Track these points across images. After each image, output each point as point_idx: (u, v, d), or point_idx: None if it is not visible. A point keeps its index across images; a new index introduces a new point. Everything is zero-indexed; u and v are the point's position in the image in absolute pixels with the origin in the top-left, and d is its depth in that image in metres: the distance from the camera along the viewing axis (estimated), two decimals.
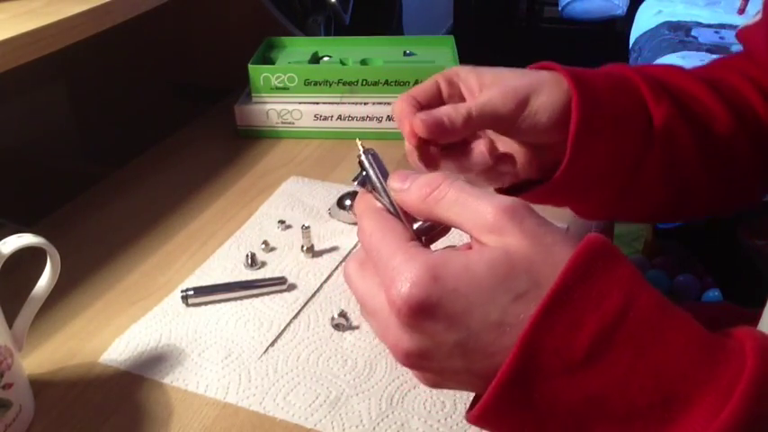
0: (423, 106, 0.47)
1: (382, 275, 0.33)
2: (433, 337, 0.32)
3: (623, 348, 0.30)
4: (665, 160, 0.50)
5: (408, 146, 0.46)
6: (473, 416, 0.32)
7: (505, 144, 0.50)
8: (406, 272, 0.32)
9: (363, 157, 0.37)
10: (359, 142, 0.39)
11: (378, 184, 0.37)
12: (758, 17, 0.58)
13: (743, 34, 0.60)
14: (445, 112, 0.45)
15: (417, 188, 0.35)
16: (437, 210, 0.34)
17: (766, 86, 0.56)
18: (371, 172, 0.37)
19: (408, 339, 0.33)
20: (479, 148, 0.49)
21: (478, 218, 0.33)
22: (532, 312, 0.31)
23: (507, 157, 0.50)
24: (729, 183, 0.54)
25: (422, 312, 0.31)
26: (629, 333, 0.30)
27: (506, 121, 0.46)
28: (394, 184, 0.36)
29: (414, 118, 0.44)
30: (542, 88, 0.47)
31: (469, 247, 0.34)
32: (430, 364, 0.34)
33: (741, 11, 2.41)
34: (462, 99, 0.49)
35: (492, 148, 0.49)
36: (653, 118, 0.49)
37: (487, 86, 0.47)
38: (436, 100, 0.48)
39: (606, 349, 0.30)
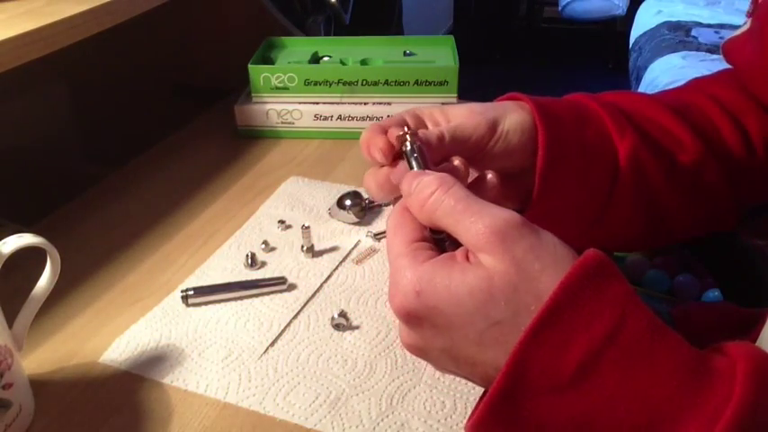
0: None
1: (389, 281, 0.36)
2: (424, 340, 0.35)
3: (610, 370, 0.30)
4: (634, 190, 0.49)
5: (370, 177, 0.44)
6: (470, 425, 0.34)
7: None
8: (398, 281, 0.35)
9: (409, 147, 0.40)
10: (407, 132, 0.41)
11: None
12: (745, 27, 0.57)
13: (730, 47, 0.58)
14: (420, 131, 0.43)
15: (417, 193, 0.36)
16: (434, 218, 0.36)
17: (763, 100, 0.54)
18: (414, 162, 0.40)
19: (407, 336, 0.36)
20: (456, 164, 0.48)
21: (470, 236, 0.34)
22: (509, 338, 0.32)
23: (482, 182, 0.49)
24: (701, 209, 0.53)
25: (410, 320, 0.35)
26: (617, 356, 0.30)
27: (478, 145, 0.45)
28: (403, 186, 0.38)
29: (383, 137, 0.43)
30: (509, 112, 0.46)
31: (466, 254, 0.34)
32: (428, 357, 0.37)
33: (750, 14, 2.40)
34: None
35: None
36: (618, 150, 0.49)
37: (455, 117, 0.47)
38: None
39: (593, 371, 0.30)
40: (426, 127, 0.47)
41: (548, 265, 0.32)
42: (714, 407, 0.29)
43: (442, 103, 0.49)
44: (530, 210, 0.48)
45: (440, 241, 0.37)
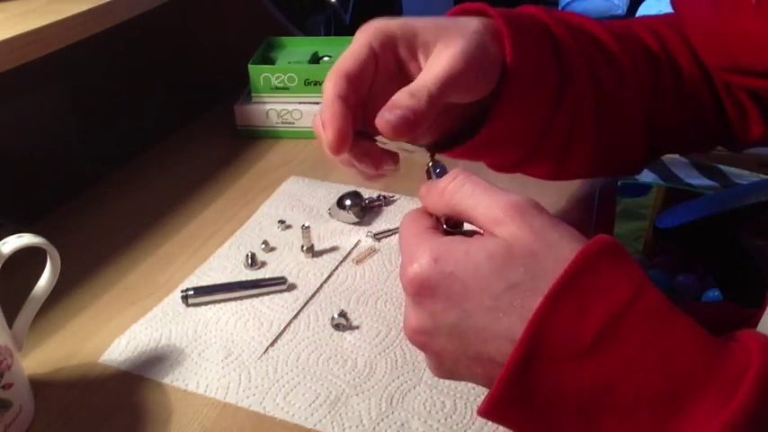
0: (356, 86, 0.41)
1: (402, 260, 0.36)
2: (434, 317, 0.34)
3: (631, 336, 0.30)
4: (583, 83, 0.49)
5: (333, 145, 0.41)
6: (483, 408, 0.33)
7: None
8: (414, 254, 0.35)
9: (431, 168, 0.41)
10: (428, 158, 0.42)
11: None
12: None
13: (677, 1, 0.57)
14: (405, 104, 0.39)
15: (436, 185, 0.37)
16: (453, 202, 0.36)
17: (708, 60, 0.54)
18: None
19: (414, 317, 0.35)
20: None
21: (489, 212, 0.34)
22: (526, 303, 0.31)
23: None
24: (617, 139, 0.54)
25: (422, 290, 0.34)
26: (637, 321, 0.30)
27: (465, 87, 0.42)
28: (421, 190, 0.39)
29: (377, 120, 0.39)
30: (486, 41, 0.43)
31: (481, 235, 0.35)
32: (431, 344, 0.35)
33: None
34: (399, 64, 0.44)
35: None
36: (572, 54, 0.48)
37: (439, 46, 0.42)
38: (369, 72, 0.42)
39: (613, 336, 0.30)
40: (397, 58, 0.43)
41: (565, 237, 0.33)
42: (736, 372, 0.29)
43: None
44: (492, 112, 0.45)
45: (453, 235, 0.37)
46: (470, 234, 0.36)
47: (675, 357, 0.30)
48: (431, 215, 0.38)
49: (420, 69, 0.43)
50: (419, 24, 0.43)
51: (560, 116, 0.48)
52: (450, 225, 0.37)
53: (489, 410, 0.33)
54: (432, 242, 0.35)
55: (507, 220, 0.33)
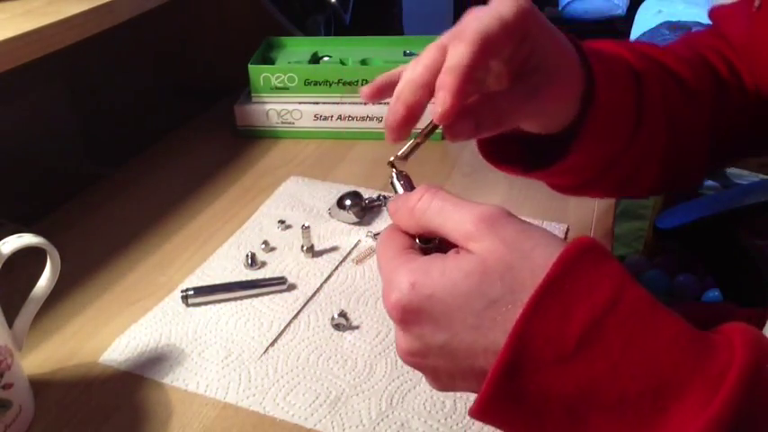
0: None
1: (383, 287, 0.36)
2: (422, 339, 0.34)
3: (613, 337, 0.30)
4: (659, 104, 0.51)
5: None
6: (473, 410, 0.33)
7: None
8: (392, 281, 0.35)
9: (395, 180, 0.42)
10: (393, 168, 0.42)
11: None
12: None
13: (718, 13, 0.60)
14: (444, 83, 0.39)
15: (404, 203, 0.37)
16: (423, 222, 0.36)
17: (738, 67, 0.57)
18: (399, 188, 0.41)
19: (404, 341, 0.35)
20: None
21: (460, 227, 0.34)
22: (508, 316, 0.32)
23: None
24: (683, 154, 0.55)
25: (406, 316, 0.34)
26: (619, 322, 0.31)
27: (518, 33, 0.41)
28: (390, 207, 0.38)
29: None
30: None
31: (457, 252, 0.35)
32: (425, 363, 0.36)
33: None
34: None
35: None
36: (643, 75, 0.50)
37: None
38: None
39: (597, 338, 0.30)
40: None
41: (539, 243, 0.33)
42: (719, 370, 0.29)
43: None
44: (582, 131, 0.47)
45: (428, 251, 0.38)
46: (445, 250, 0.36)
47: (658, 357, 0.30)
48: (404, 232, 0.38)
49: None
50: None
51: (633, 149, 0.50)
52: (424, 241, 0.37)
53: (479, 411, 0.33)
54: (407, 266, 0.35)
55: (478, 235, 0.33)
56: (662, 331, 0.31)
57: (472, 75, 0.39)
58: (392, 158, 0.42)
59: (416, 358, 0.36)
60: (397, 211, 0.38)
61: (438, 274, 0.34)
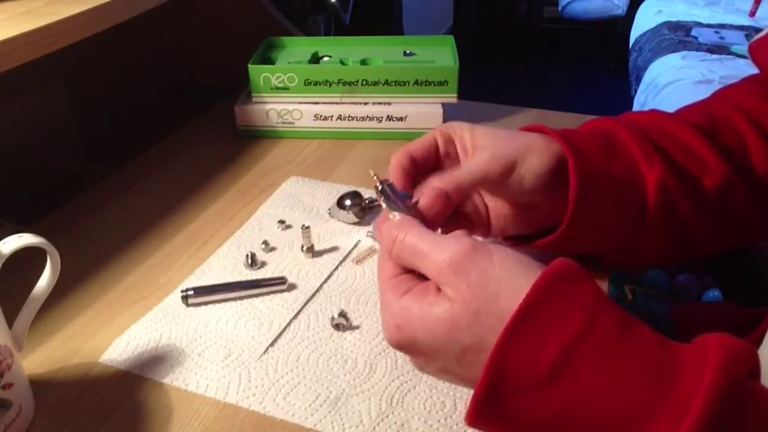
0: (418, 164, 0.49)
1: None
2: (422, 362, 0.40)
3: (583, 366, 0.32)
4: (663, 220, 0.50)
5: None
6: (466, 422, 0.36)
7: (494, 201, 0.53)
8: (384, 320, 0.40)
9: (381, 190, 0.44)
10: (373, 174, 0.45)
11: (398, 210, 0.43)
12: None
13: (758, 48, 0.58)
14: (438, 190, 0.45)
15: (384, 241, 0.41)
16: (402, 263, 0.40)
17: None
18: (390, 201, 0.44)
19: (409, 358, 0.41)
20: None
21: (432, 271, 0.38)
22: (480, 358, 0.34)
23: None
24: (731, 230, 0.54)
25: (402, 350, 0.40)
26: (589, 351, 0.32)
27: (494, 184, 0.48)
28: (377, 234, 0.43)
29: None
30: (531, 153, 0.48)
31: (438, 291, 0.38)
32: (431, 372, 0.40)
33: (752, 13, 2.39)
34: (457, 156, 0.51)
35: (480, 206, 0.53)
36: (646, 181, 0.50)
37: (479, 149, 0.49)
38: (433, 157, 0.50)
39: (568, 366, 0.32)
40: (455, 150, 0.50)
41: (503, 286, 0.35)
42: (686, 396, 0.30)
43: (469, 123, 0.52)
44: (556, 237, 0.50)
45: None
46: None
47: (627, 386, 0.31)
48: (386, 258, 0.41)
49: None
50: (478, 128, 0.50)
51: (638, 243, 0.51)
52: (408, 269, 0.40)
53: (471, 425, 0.36)
54: (392, 308, 0.38)
55: (446, 281, 0.36)
56: (630, 359, 0.32)
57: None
58: (374, 176, 0.45)
59: (423, 369, 0.41)
60: (381, 238, 0.41)
61: (417, 319, 0.37)
